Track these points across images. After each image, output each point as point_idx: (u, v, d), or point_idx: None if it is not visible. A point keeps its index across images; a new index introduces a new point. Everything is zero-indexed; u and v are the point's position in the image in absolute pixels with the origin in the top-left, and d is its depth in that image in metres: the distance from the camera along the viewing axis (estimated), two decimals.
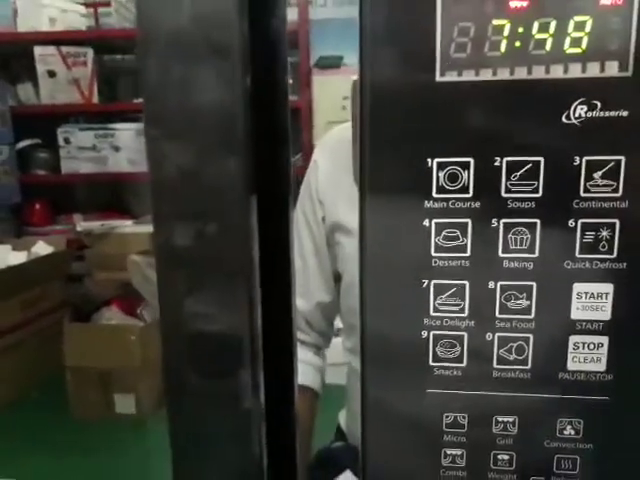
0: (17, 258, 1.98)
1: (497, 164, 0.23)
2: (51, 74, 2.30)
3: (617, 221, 0.22)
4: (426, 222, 0.23)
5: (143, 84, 0.24)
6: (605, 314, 0.23)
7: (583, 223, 0.22)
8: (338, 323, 0.79)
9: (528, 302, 0.23)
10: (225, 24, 0.23)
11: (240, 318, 0.25)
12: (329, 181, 0.71)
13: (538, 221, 0.23)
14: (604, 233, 0.22)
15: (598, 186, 0.22)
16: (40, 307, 2.03)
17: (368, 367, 0.25)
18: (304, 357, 0.74)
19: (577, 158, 0.22)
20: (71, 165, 2.32)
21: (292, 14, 2.05)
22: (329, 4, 2.14)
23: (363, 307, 0.25)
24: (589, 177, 0.22)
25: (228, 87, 0.23)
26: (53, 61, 2.29)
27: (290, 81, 2.19)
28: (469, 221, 0.23)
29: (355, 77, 0.24)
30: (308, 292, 0.74)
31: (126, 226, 2.07)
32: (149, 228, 0.25)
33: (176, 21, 0.23)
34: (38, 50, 2.28)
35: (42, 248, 2.07)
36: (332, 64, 2.05)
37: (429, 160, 0.23)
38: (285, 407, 0.29)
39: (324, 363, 0.78)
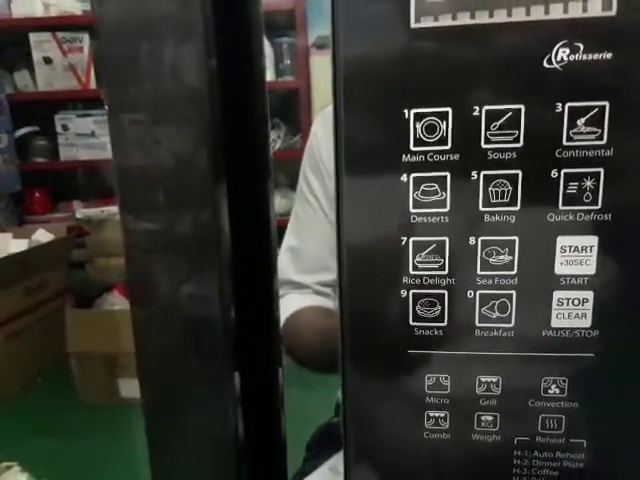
0: (18, 246, 1.98)
1: (476, 113, 0.22)
2: (47, 61, 2.28)
3: (602, 170, 0.21)
4: (404, 177, 0.23)
5: (103, 68, 0.23)
6: (590, 268, 0.22)
7: (566, 173, 0.22)
8: None
9: (510, 257, 0.23)
10: (185, 2, 0.22)
11: (211, 303, 0.24)
12: (330, 150, 0.68)
13: (519, 172, 0.22)
14: (588, 183, 0.21)
15: (581, 134, 0.21)
16: (42, 294, 2.04)
17: (347, 329, 0.24)
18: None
19: (559, 105, 0.21)
20: (70, 152, 2.31)
21: None
22: None
23: (341, 268, 0.24)
24: (572, 124, 0.21)
25: (191, 69, 0.22)
26: (49, 47, 2.27)
27: (287, 62, 2.17)
28: (448, 174, 0.22)
29: None
30: (322, 267, 0.69)
31: None
32: None
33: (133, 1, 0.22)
34: (33, 37, 2.26)
35: (43, 236, 2.07)
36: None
37: (406, 111, 0.22)
38: (269, 384, 0.29)
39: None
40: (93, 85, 2.30)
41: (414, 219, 0.23)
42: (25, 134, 2.38)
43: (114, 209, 2.16)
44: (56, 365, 1.95)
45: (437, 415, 0.24)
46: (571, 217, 0.22)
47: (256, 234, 0.27)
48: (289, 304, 0.66)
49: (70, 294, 2.03)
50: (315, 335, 0.58)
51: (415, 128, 0.22)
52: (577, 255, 0.22)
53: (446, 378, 0.24)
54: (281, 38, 2.12)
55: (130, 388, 1.83)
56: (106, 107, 0.23)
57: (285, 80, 2.15)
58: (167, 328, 0.25)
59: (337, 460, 0.70)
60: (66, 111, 2.34)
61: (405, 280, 0.23)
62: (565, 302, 0.23)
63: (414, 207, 0.23)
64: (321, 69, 2.07)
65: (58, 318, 1.86)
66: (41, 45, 2.27)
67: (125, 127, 0.23)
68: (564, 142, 0.21)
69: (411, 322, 0.24)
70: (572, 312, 0.23)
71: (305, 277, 0.70)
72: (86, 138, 2.30)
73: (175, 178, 0.23)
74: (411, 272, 0.23)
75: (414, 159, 0.22)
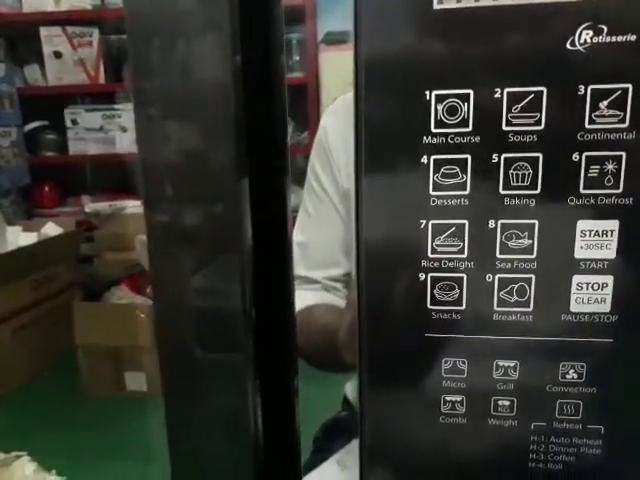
0: (27, 239, 1.99)
1: (497, 95, 0.22)
2: (57, 55, 2.30)
3: (623, 153, 0.21)
4: (424, 159, 0.23)
5: (131, 63, 0.23)
6: (610, 252, 0.22)
7: (588, 156, 0.21)
8: None
9: (530, 241, 0.22)
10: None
11: (233, 296, 0.24)
12: (340, 144, 0.68)
13: (540, 155, 0.22)
14: (610, 167, 0.21)
15: (604, 117, 0.21)
16: (51, 287, 2.05)
17: (365, 312, 0.24)
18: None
19: (582, 87, 0.21)
20: (79, 146, 2.33)
21: None
22: None
23: (359, 250, 0.24)
24: (594, 107, 0.21)
25: (218, 65, 0.22)
26: (59, 42, 2.29)
27: (297, 58, 2.17)
28: (469, 157, 0.22)
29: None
30: (332, 262, 0.69)
31: (134, 207, 2.07)
32: None
33: None
34: (44, 31, 2.27)
35: (52, 229, 2.08)
36: (339, 40, 2.02)
37: (427, 93, 0.22)
38: (284, 382, 0.29)
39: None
40: (102, 80, 2.31)
41: (434, 202, 0.23)
42: (35, 128, 2.39)
43: (121, 204, 2.18)
44: (63, 358, 1.96)
45: (454, 399, 0.24)
46: (592, 201, 0.22)
47: (273, 229, 0.27)
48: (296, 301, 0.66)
49: (78, 288, 2.04)
50: (321, 334, 0.58)
51: (436, 110, 0.22)
52: (597, 239, 0.22)
53: (463, 362, 0.24)
54: (290, 34, 2.12)
55: (136, 381, 1.84)
56: (133, 102, 0.23)
57: (294, 76, 2.15)
58: (189, 319, 0.25)
59: (344, 454, 0.70)
60: (75, 105, 2.35)
61: (424, 263, 0.23)
62: (584, 286, 0.22)
63: (434, 189, 0.23)
64: (330, 65, 2.07)
65: (66, 311, 1.87)
66: (51, 39, 2.28)
67: (151, 122, 0.23)
68: (586, 125, 0.21)
69: (429, 305, 0.24)
70: (591, 297, 0.22)
71: (315, 272, 0.70)
72: (95, 132, 2.31)
73: (199, 173, 0.23)
74: (430, 255, 0.23)
75: (435, 141, 0.22)
